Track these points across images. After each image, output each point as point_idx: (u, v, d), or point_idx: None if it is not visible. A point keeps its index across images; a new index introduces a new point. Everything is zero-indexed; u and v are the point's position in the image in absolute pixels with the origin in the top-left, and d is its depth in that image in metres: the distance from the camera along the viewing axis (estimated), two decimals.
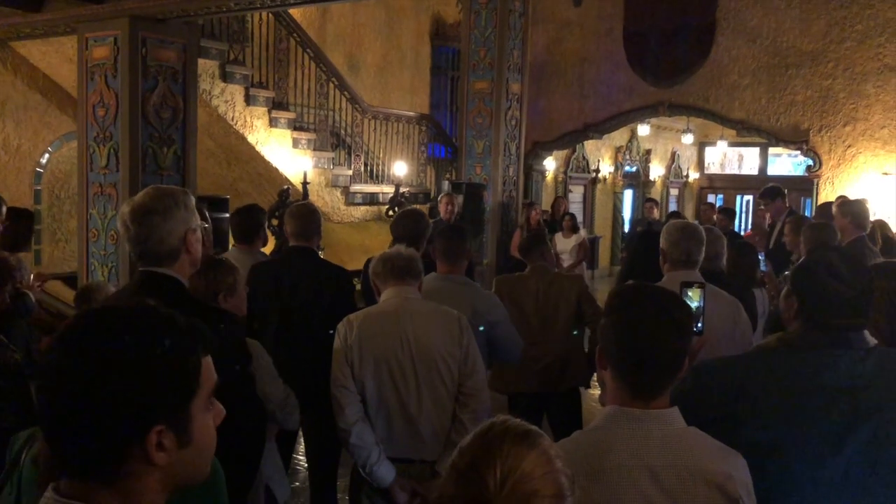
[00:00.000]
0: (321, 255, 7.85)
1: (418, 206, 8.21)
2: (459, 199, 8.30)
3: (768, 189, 6.79)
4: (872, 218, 6.22)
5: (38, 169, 8.76)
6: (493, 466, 1.01)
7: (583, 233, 9.90)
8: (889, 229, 6.23)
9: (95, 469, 1.04)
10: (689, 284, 2.22)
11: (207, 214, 3.75)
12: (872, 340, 1.82)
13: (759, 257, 4.53)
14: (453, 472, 1.05)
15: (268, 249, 7.05)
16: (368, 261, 3.42)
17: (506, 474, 1.01)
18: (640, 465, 1.49)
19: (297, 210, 3.89)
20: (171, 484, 1.09)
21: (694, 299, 2.13)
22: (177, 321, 1.10)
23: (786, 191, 6.83)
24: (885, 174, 9.04)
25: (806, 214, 10.19)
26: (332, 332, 2.94)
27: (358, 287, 4.20)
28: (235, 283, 2.79)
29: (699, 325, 2.11)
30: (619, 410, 1.56)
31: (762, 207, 8.66)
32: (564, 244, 9.20)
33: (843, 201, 5.39)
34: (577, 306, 4.22)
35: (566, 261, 9.00)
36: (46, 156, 8.80)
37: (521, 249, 4.49)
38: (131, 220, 2.13)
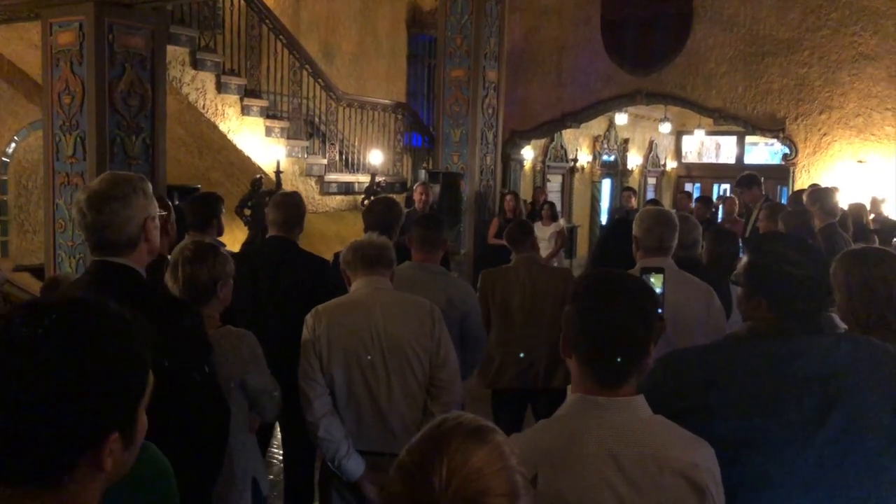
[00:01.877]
0: None
1: (394, 196, 8.14)
2: (435, 188, 8.26)
3: (744, 177, 6.83)
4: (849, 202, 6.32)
5: (4, 158, 8.59)
6: (439, 464, 0.94)
7: (562, 222, 9.90)
8: (866, 214, 6.29)
9: (39, 477, 0.96)
10: (649, 270, 2.20)
11: (169, 203, 3.67)
12: (842, 325, 1.80)
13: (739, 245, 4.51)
14: (400, 471, 0.98)
15: (237, 240, 6.97)
16: (337, 255, 3.36)
17: (452, 471, 0.93)
18: (604, 454, 1.45)
19: (281, 199, 3.83)
20: (109, 483, 1.05)
21: (656, 285, 2.11)
22: (131, 321, 1.05)
23: (762, 178, 6.85)
24: (860, 162, 9.10)
25: (782, 202, 10.25)
26: None
27: None
28: (232, 272, 2.74)
29: (659, 310, 2.10)
30: (583, 399, 1.52)
31: (729, 196, 8.72)
32: (543, 232, 9.21)
33: (812, 190, 5.47)
34: (564, 301, 4.08)
35: (544, 249, 8.99)
36: (13, 145, 8.64)
37: (511, 239, 4.36)
38: (88, 207, 2.05)
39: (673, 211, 3.29)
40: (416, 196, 6.97)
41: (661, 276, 2.22)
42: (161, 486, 1.46)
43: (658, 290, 2.13)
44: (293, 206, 3.77)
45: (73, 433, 0.96)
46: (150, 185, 2.16)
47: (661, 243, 3.01)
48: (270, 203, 3.85)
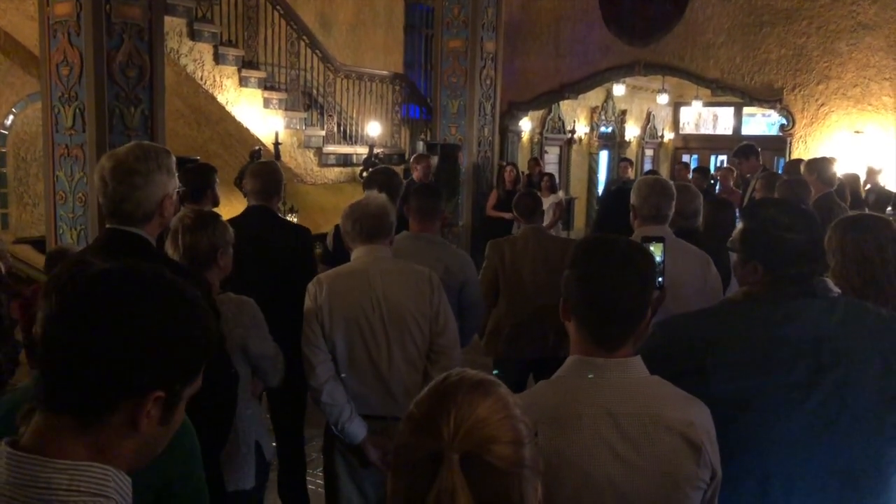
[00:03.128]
0: (295, 216, 7.83)
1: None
2: (434, 159, 8.19)
3: (742, 147, 6.84)
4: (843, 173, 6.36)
5: (2, 131, 8.57)
6: (447, 415, 1.00)
7: (560, 194, 9.92)
8: (859, 185, 6.34)
9: (82, 410, 1.03)
10: (650, 240, 2.24)
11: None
12: (835, 289, 1.84)
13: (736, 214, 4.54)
14: (409, 423, 1.04)
15: (236, 211, 6.98)
16: (337, 227, 3.39)
17: (460, 421, 0.99)
18: (602, 413, 1.49)
19: (258, 168, 3.85)
20: (138, 459, 1.09)
21: (656, 254, 2.15)
22: (204, 305, 1.12)
23: (759, 149, 6.86)
24: (857, 132, 9.10)
25: (779, 172, 10.27)
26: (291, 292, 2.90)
27: (318, 251, 4.16)
28: (232, 240, 2.77)
29: (660, 279, 2.14)
30: (581, 360, 1.56)
31: (726, 166, 8.73)
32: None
33: (810, 159, 5.52)
34: None
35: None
36: (11, 117, 8.61)
37: (522, 209, 4.35)
38: (111, 176, 2.09)
39: (671, 182, 3.32)
40: (419, 172, 6.69)
41: (661, 246, 2.26)
42: (184, 443, 1.51)
43: (658, 260, 2.17)
44: (270, 173, 3.78)
45: (125, 375, 1.03)
46: (173, 161, 2.20)
47: (659, 212, 3.04)
48: (248, 173, 3.86)
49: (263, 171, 3.80)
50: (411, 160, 7.63)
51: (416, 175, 6.71)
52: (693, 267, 3.01)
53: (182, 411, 1.13)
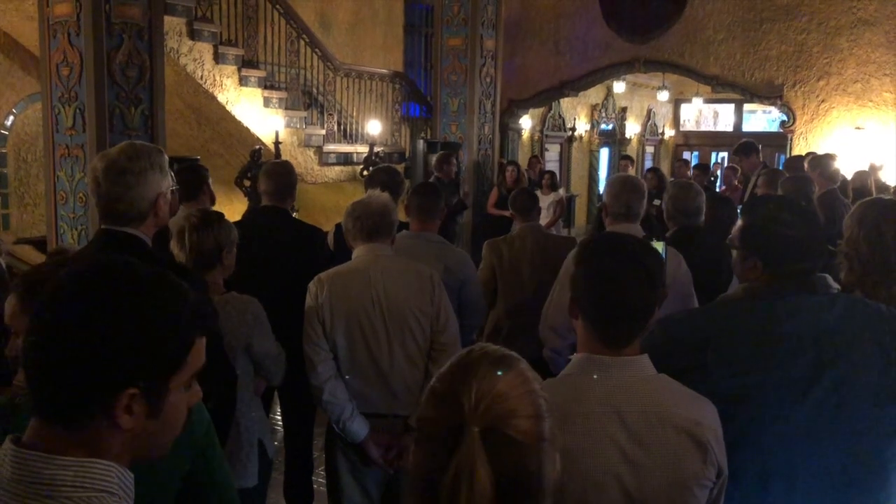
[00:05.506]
0: (295, 216, 7.82)
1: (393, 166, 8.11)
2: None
3: (743, 144, 6.83)
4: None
5: (2, 131, 8.57)
6: (468, 388, 1.00)
7: (561, 191, 9.91)
8: (870, 178, 6.34)
9: (61, 415, 1.03)
10: (650, 239, 2.24)
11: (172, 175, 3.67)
12: (835, 285, 1.84)
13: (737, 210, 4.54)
14: (431, 396, 1.05)
15: (237, 211, 6.99)
16: (337, 226, 3.38)
17: (481, 395, 1.00)
18: (609, 411, 1.49)
19: (272, 168, 3.81)
20: (132, 451, 1.09)
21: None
22: (188, 296, 1.10)
23: (759, 146, 6.86)
24: (858, 129, 9.10)
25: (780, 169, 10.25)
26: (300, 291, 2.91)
27: None
28: (236, 239, 2.78)
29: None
30: (589, 358, 1.56)
31: (729, 166, 8.73)
32: (542, 201, 9.18)
33: (812, 156, 5.53)
34: None
35: (543, 218, 9.02)
36: (11, 118, 8.61)
37: (518, 207, 4.33)
38: (104, 177, 2.09)
39: (672, 178, 3.32)
40: (442, 177, 6.27)
41: (661, 244, 2.26)
42: (197, 432, 1.52)
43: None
44: (284, 174, 3.75)
45: (83, 377, 1.02)
46: (166, 160, 2.19)
47: (629, 210, 3.04)
48: (261, 173, 3.83)
49: (278, 171, 3.76)
50: (434, 160, 7.41)
51: (441, 177, 6.39)
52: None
53: (181, 402, 1.12)
